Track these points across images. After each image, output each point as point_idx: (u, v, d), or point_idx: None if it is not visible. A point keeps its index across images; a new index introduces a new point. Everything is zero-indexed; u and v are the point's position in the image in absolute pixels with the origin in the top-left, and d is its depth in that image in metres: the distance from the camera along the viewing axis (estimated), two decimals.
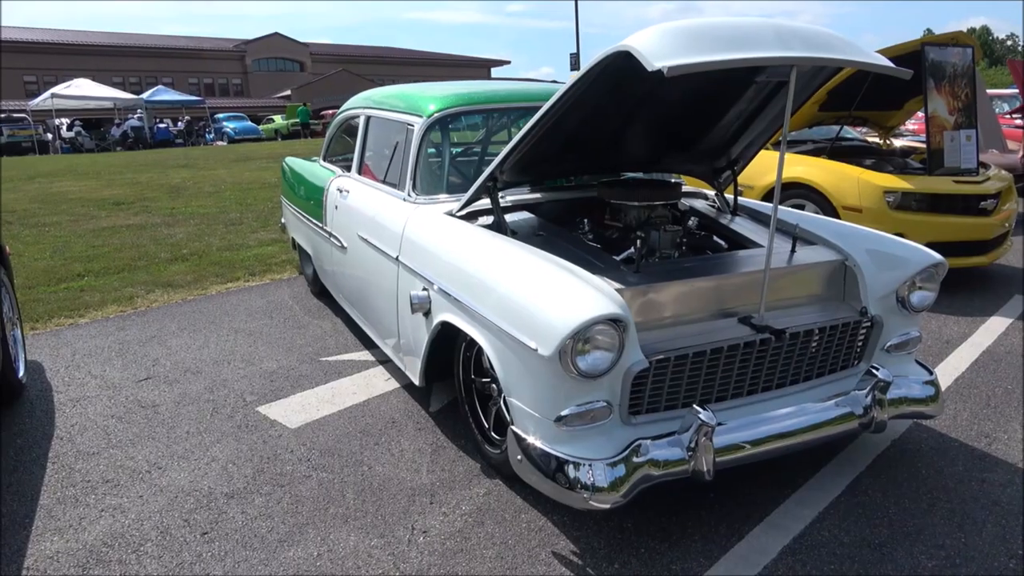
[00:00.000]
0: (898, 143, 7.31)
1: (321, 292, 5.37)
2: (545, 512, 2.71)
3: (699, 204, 3.77)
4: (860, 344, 2.98)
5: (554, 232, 3.19)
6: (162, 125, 33.18)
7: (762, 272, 2.66)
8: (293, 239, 5.82)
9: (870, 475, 2.97)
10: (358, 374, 4.04)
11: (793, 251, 3.04)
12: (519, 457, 2.53)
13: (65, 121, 31.48)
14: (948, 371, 4.02)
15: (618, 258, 3.01)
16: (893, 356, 3.03)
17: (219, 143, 32.73)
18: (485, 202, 3.31)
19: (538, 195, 3.57)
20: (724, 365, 2.64)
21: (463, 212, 3.33)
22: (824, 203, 5.57)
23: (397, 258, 3.45)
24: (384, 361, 4.16)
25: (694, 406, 2.48)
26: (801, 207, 5.70)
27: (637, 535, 2.58)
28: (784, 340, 2.71)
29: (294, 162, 5.90)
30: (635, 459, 2.42)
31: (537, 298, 2.50)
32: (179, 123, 34.70)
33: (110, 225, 8.73)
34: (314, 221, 4.94)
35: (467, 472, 3.01)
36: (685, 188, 4.01)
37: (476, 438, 3.12)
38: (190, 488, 2.93)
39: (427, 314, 3.16)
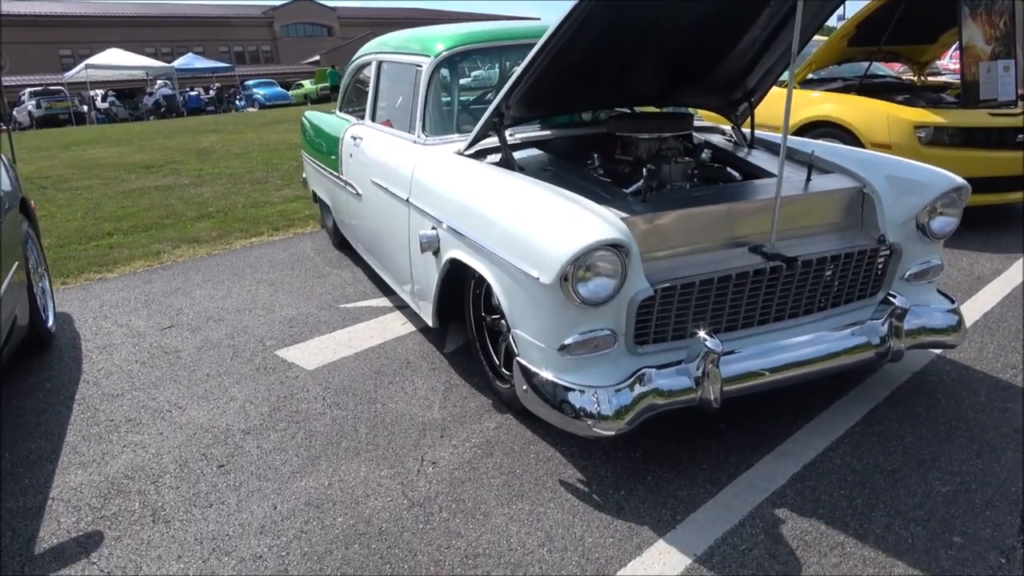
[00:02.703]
0: (938, 81, 7.03)
1: (342, 243, 5.40)
2: (554, 444, 2.72)
3: (715, 138, 3.68)
4: (878, 273, 2.90)
5: (563, 167, 3.14)
6: (193, 93, 33.44)
7: (785, 200, 2.59)
8: (314, 192, 5.85)
9: (887, 406, 2.91)
10: (375, 319, 4.08)
11: (809, 179, 2.95)
12: (524, 387, 2.53)
13: (100, 92, 31.95)
14: (977, 306, 3.90)
15: (627, 190, 2.97)
16: (913, 285, 2.94)
17: (250, 109, 32.91)
18: (494, 140, 3.27)
19: (548, 132, 3.52)
20: (733, 294, 2.60)
21: (471, 151, 3.30)
22: (852, 141, 5.38)
23: (408, 200, 3.44)
24: (401, 307, 4.19)
25: (701, 333, 2.45)
26: None
27: (645, 464, 2.58)
28: (796, 268, 2.65)
29: (312, 115, 5.89)
30: (640, 387, 2.40)
31: (539, 227, 2.47)
32: (210, 91, 34.95)
33: (139, 187, 8.87)
34: (331, 171, 4.95)
35: (478, 408, 3.03)
36: (702, 123, 3.92)
37: (487, 374, 3.13)
38: (208, 425, 3.00)
39: (436, 253, 3.15)
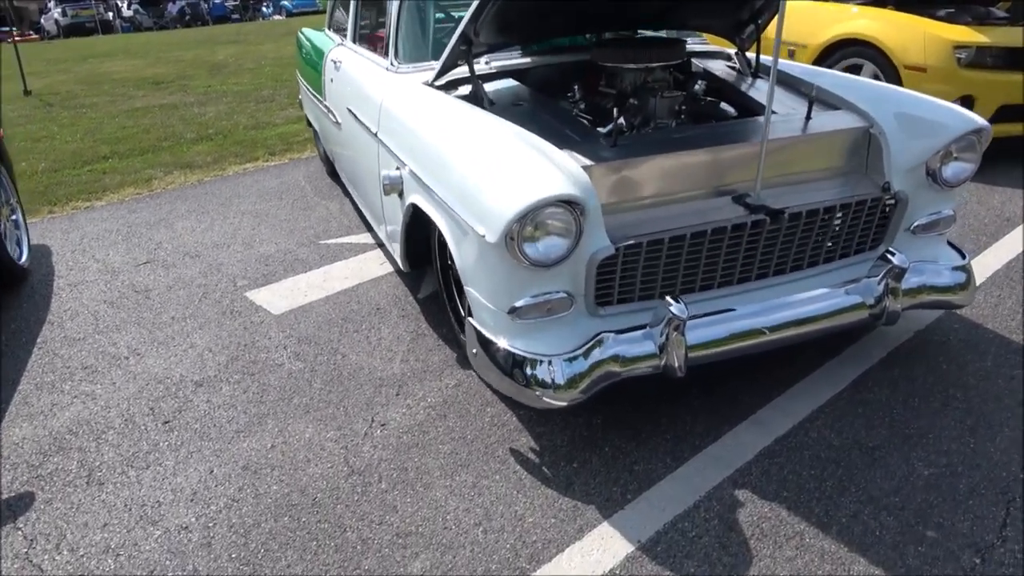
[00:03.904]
0: None
1: (334, 172, 5.18)
2: (513, 406, 2.56)
3: (718, 65, 3.32)
4: (881, 225, 2.61)
5: (538, 102, 2.84)
6: (218, 0, 32.64)
7: (770, 143, 2.30)
8: (306, 116, 5.59)
9: (882, 369, 2.67)
10: (354, 258, 3.90)
11: (808, 117, 2.62)
12: (474, 351, 2.35)
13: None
14: (1001, 253, 3.57)
15: (604, 129, 2.69)
16: (920, 238, 2.65)
17: (276, 17, 32.09)
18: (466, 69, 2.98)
19: (528, 60, 3.19)
20: (710, 251, 2.34)
21: (440, 82, 3.01)
22: (884, 62, 4.91)
23: (376, 134, 3.19)
24: (382, 244, 4.00)
25: (666, 298, 2.22)
26: (858, 69, 5.08)
27: (604, 432, 2.41)
28: (782, 222, 2.37)
29: (306, 32, 5.56)
30: (596, 354, 2.20)
31: (489, 178, 2.22)
32: None
33: (144, 105, 8.67)
34: (316, 95, 4.68)
35: (442, 362, 2.87)
36: (706, 47, 3.54)
37: (453, 326, 2.95)
38: (163, 375, 2.90)
39: (401, 196, 2.93)
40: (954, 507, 2.03)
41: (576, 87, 2.99)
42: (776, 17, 2.22)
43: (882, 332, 2.88)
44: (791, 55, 5.56)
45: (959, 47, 4.60)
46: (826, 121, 2.62)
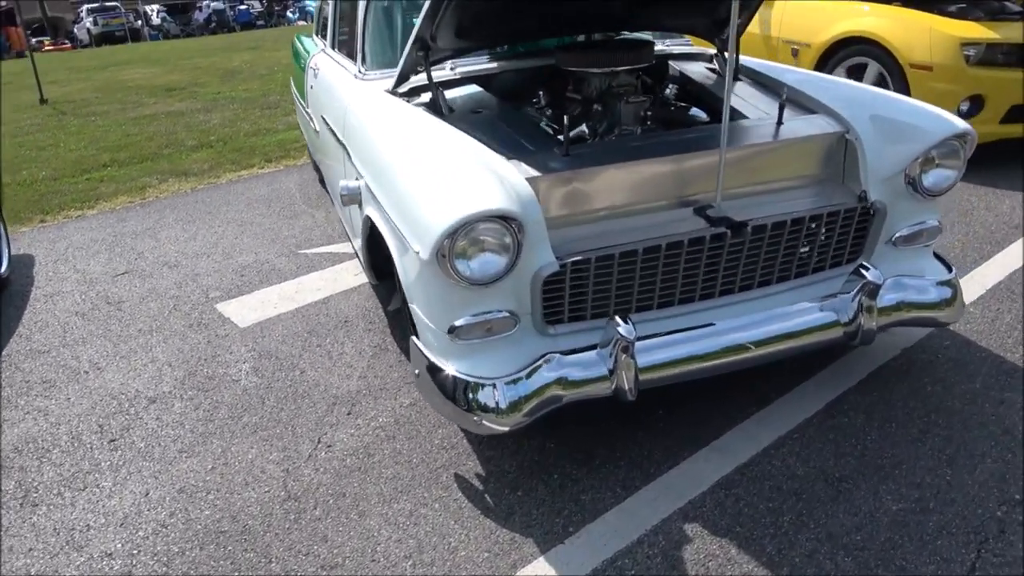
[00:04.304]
0: None
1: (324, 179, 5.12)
2: (464, 428, 2.45)
3: (697, 68, 3.17)
4: (859, 236, 2.45)
5: (499, 109, 2.72)
6: (243, 7, 33.03)
7: (734, 150, 2.18)
8: (300, 122, 5.55)
9: (859, 392, 2.51)
10: (330, 268, 3.82)
11: (780, 123, 2.47)
12: (417, 372, 2.24)
13: (155, 7, 31.90)
14: (1006, 262, 3.37)
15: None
16: (902, 250, 2.48)
17: (301, 23, 32.36)
18: (436, 75, 2.88)
19: (495, 65, 3.08)
20: (666, 267, 2.20)
21: (404, 88, 2.91)
22: (890, 61, 4.70)
23: (342, 143, 3.11)
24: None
25: (615, 318, 2.09)
26: (862, 69, 4.88)
27: (556, 458, 2.28)
28: (745, 235, 2.23)
29: (300, 38, 5.51)
30: (540, 377, 2.08)
31: (425, 192, 2.11)
32: (262, 3, 34.46)
33: (152, 112, 8.72)
34: (301, 102, 4.63)
35: (400, 379, 2.77)
36: (690, 49, 3.40)
37: None
38: (119, 391, 2.84)
39: (361, 207, 2.83)
40: (920, 548, 1.87)
41: (541, 93, 2.87)
42: (751, 16, 2.07)
43: (865, 350, 2.71)
44: (795, 54, 5.38)
45: (967, 44, 4.39)
46: (799, 126, 2.47)
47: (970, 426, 2.30)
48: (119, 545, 2.07)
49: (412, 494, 2.18)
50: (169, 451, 2.46)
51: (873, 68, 4.82)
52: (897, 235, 2.46)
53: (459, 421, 2.13)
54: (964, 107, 4.47)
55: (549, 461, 2.27)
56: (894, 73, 4.67)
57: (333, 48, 4.03)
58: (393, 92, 2.91)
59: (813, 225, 2.33)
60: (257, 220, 4.67)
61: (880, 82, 4.79)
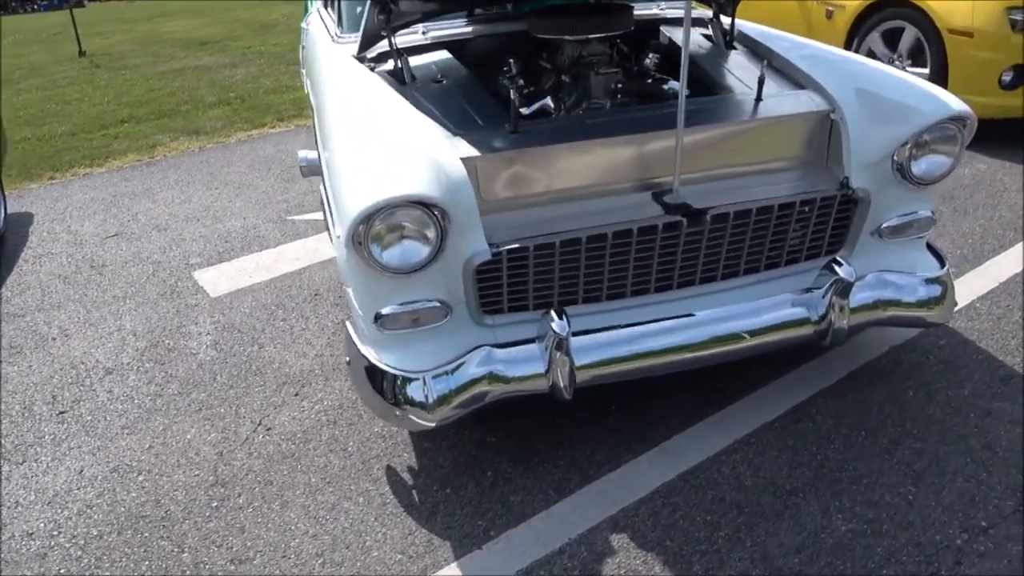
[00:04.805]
0: None
1: None
2: (390, 424, 2.35)
3: (694, 35, 2.92)
4: (841, 226, 2.24)
5: (464, 79, 2.55)
6: None
7: (699, 130, 2.00)
8: None
9: (833, 393, 2.32)
10: (313, 236, 3.74)
11: (759, 99, 2.24)
12: (347, 359, 2.14)
13: None
14: (1018, 259, 3.07)
15: (527, 110, 2.41)
16: (889, 242, 2.26)
17: None
18: (405, 39, 2.73)
19: (470, 30, 2.89)
20: (615, 257, 2.04)
21: (373, 53, 2.76)
22: (927, 25, 4.32)
23: (315, 109, 2.99)
24: None
25: (550, 312, 1.95)
26: (899, 33, 4.50)
27: (495, 453, 2.18)
28: (704, 224, 2.04)
29: None
30: (467, 372, 1.96)
31: (351, 171, 1.99)
32: None
33: (181, 67, 8.73)
34: (301, 62, 4.51)
35: None
36: (696, 10, 3.14)
37: None
38: (80, 360, 2.83)
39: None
40: None
41: (512, 61, 2.69)
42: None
43: (848, 347, 2.51)
44: (828, 16, 5.01)
45: (1013, 8, 3.98)
46: (780, 103, 2.24)
47: (948, 439, 2.10)
48: (42, 525, 2.06)
49: (339, 485, 2.10)
50: (113, 426, 2.43)
51: (910, 33, 4.44)
52: (884, 225, 2.24)
53: (384, 416, 2.04)
54: (1007, 78, 4.09)
55: (486, 456, 2.16)
56: (931, 39, 4.29)
57: (325, 7, 3.89)
58: (360, 58, 2.77)
59: (785, 214, 2.13)
60: (255, 183, 4.61)
61: (917, 48, 4.42)
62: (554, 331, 1.90)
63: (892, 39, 4.58)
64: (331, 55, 2.94)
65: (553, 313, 1.94)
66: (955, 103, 2.10)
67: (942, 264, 2.29)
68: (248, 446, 2.29)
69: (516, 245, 1.95)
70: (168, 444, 2.33)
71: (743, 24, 2.87)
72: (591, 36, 2.52)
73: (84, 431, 2.43)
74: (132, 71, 8.71)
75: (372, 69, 2.65)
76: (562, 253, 1.99)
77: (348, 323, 2.16)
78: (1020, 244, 3.14)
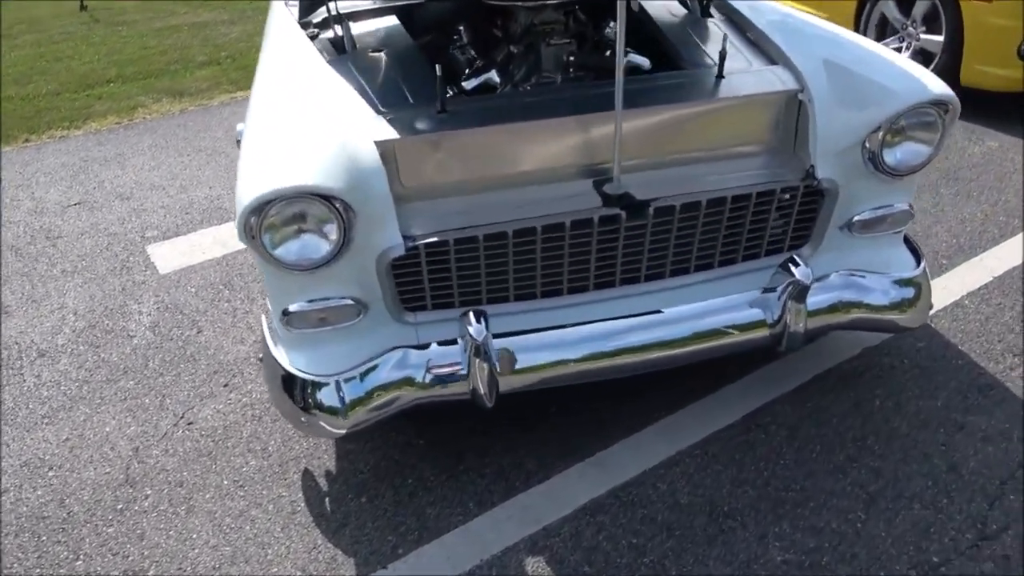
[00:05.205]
0: None
1: None
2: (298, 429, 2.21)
3: (666, 2, 2.67)
4: (807, 219, 2.03)
5: (405, 48, 2.34)
6: None
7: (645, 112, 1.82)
8: None
9: (793, 400, 2.14)
10: None
11: (720, 76, 2.02)
12: (260, 356, 2.00)
13: None
14: (1018, 251, 2.82)
15: (471, 84, 2.21)
16: (860, 238, 2.05)
17: None
18: (351, 4, 2.53)
19: None
20: (546, 252, 1.86)
21: (319, 18, 2.56)
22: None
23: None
24: None
25: (468, 314, 1.78)
26: None
27: (419, 458, 2.03)
28: (647, 218, 1.85)
29: None
30: (379, 376, 1.81)
31: (252, 155, 1.82)
32: None
33: (177, 23, 8.50)
34: None
35: None
36: None
37: None
38: (14, 341, 2.72)
39: None
40: None
41: (462, 29, 2.47)
42: None
43: (818, 347, 2.31)
44: None
45: None
46: (742, 82, 2.01)
47: (910, 458, 1.92)
48: None
49: (251, 490, 1.98)
50: (33, 416, 2.33)
51: None
52: (855, 219, 2.02)
53: (292, 420, 1.89)
54: None
55: (410, 461, 2.03)
56: (947, 4, 3.96)
57: None
58: (306, 23, 2.57)
59: (741, 206, 1.93)
60: (227, 150, 4.45)
61: (932, 14, 4.10)
62: (471, 335, 1.74)
63: (906, 3, 4.25)
64: (277, 18, 2.75)
65: (471, 315, 1.78)
66: (935, 85, 1.87)
67: (918, 262, 2.08)
68: (166, 441, 2.17)
69: (434, 239, 1.78)
70: (85, 437, 2.22)
71: None
72: (543, 2, 2.29)
73: (3, 420, 2.32)
74: (129, 27, 8.51)
75: (316, 36, 2.46)
76: (487, 248, 1.81)
77: (264, 316, 2.01)
78: (1021, 234, 2.89)
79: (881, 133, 1.87)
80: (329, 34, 2.46)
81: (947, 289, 2.58)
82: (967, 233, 2.94)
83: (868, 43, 2.15)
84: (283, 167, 1.67)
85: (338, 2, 2.44)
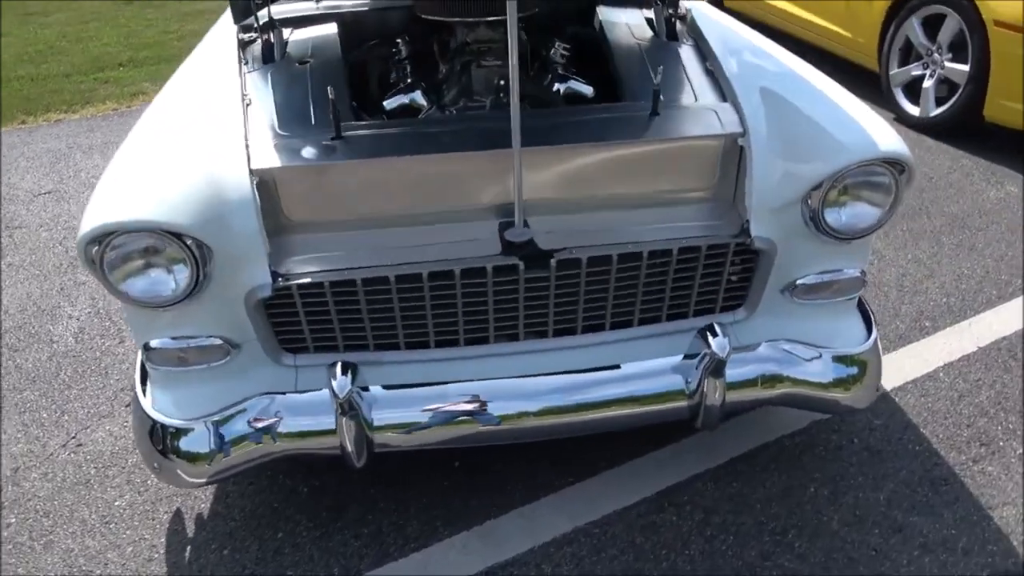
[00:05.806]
0: None
1: None
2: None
3: (635, 19, 2.44)
4: (742, 279, 1.81)
5: (331, 61, 2.16)
6: None
7: (568, 151, 1.67)
8: None
9: (719, 477, 1.93)
10: None
11: (655, 113, 1.80)
12: (134, 394, 1.86)
13: None
14: (1013, 319, 2.53)
15: (390, 105, 2.05)
16: (803, 304, 1.83)
17: None
18: (299, 6, 2.39)
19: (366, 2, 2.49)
20: (436, 300, 1.68)
21: (260, 23, 2.41)
22: (972, 15, 3.67)
23: None
24: None
25: (337, 365, 1.62)
26: (940, 21, 3.85)
27: (298, 509, 1.88)
28: (549, 271, 1.66)
29: None
30: (236, 426, 1.66)
31: (109, 175, 1.68)
32: None
33: (205, 8, 8.50)
34: None
35: None
36: None
37: None
38: None
39: None
40: None
41: (400, 42, 2.30)
42: None
43: (764, 415, 2.09)
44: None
45: None
46: (677, 121, 1.80)
47: (833, 562, 1.69)
48: None
49: (114, 528, 1.85)
50: None
51: (952, 22, 3.80)
52: (798, 283, 1.80)
53: (147, 464, 1.74)
54: None
55: (287, 512, 1.87)
56: (975, 30, 3.65)
57: None
58: (247, 26, 2.43)
59: (661, 262, 1.72)
60: None
61: (959, 41, 3.78)
62: (332, 390, 1.58)
63: (933, 28, 3.94)
64: (221, 24, 2.64)
65: (338, 367, 1.61)
66: (888, 141, 1.63)
67: (869, 332, 1.84)
68: (49, 464, 2.06)
69: (307, 280, 1.62)
70: None
71: (703, 10, 2.38)
72: (480, 19, 2.10)
73: None
74: (157, 9, 8.54)
75: (252, 41, 2.32)
76: (368, 292, 1.65)
77: (139, 354, 1.87)
78: (1021, 298, 2.61)
79: (823, 191, 1.65)
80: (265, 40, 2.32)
81: (922, 358, 2.32)
82: (960, 292, 2.66)
83: (832, 87, 1.90)
84: (134, 196, 1.53)
85: (273, 6, 2.29)
